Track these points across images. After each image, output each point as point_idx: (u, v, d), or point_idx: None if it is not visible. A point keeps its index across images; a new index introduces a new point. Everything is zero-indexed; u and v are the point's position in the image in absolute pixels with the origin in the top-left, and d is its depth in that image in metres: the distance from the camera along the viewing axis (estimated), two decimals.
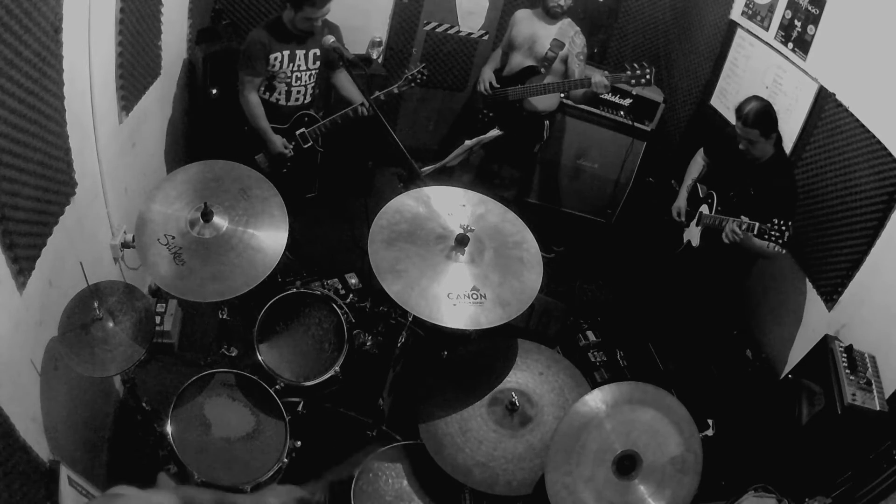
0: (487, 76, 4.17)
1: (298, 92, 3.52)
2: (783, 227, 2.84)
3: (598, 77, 3.79)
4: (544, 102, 4.15)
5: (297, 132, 3.58)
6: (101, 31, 2.55)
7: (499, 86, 4.13)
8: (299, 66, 3.43)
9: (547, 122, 4.29)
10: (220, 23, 4.28)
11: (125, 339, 2.33)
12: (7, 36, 1.74)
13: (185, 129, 4.00)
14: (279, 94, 3.48)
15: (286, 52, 3.36)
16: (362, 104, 3.52)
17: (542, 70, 4.01)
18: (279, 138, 3.51)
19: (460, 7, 4.76)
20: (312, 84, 3.56)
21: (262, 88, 3.46)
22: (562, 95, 4.24)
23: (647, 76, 3.76)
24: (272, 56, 3.33)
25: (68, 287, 2.29)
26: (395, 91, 3.55)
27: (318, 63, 3.50)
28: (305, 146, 3.61)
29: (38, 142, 2.01)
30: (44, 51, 1.99)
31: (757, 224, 2.93)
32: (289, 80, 3.45)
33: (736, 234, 3.04)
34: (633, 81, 3.80)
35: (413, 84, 3.63)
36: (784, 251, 2.92)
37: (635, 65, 3.78)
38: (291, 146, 3.55)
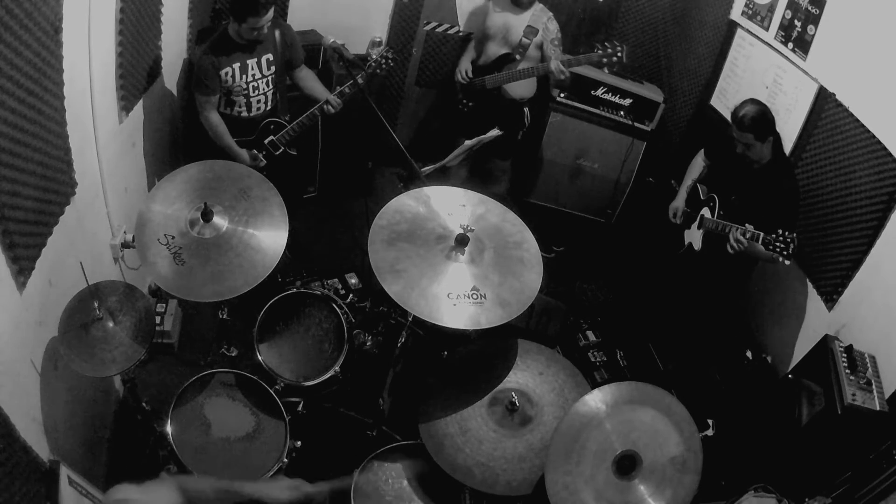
0: (464, 66, 4.21)
1: (259, 101, 3.45)
2: (788, 240, 2.82)
3: (554, 64, 3.80)
4: (522, 89, 4.18)
5: (266, 140, 3.52)
6: (101, 31, 2.55)
7: (475, 75, 4.16)
8: (253, 75, 3.36)
9: (526, 109, 4.32)
10: (220, 23, 4.27)
11: (125, 339, 2.33)
12: (7, 36, 1.74)
13: (185, 129, 3.99)
14: (240, 106, 3.42)
15: (236, 65, 3.29)
16: (326, 102, 3.43)
17: (518, 57, 4.03)
18: (245, 152, 3.43)
19: (460, 7, 4.75)
20: (271, 90, 3.47)
21: (223, 104, 3.40)
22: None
23: (619, 53, 3.67)
24: (223, 72, 3.26)
25: (68, 287, 2.29)
26: (360, 81, 3.35)
27: (272, 68, 3.41)
28: (277, 153, 3.54)
29: (38, 142, 2.01)
30: (44, 51, 1.99)
31: (762, 234, 2.92)
32: (246, 92, 3.37)
33: (741, 243, 3.01)
34: (604, 60, 3.73)
35: (379, 70, 3.45)
36: (789, 263, 2.89)
37: (606, 44, 3.70)
38: (262, 154, 3.50)
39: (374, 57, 3.43)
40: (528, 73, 4.02)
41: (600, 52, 3.73)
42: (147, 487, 1.64)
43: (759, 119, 3.12)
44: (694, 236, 3.62)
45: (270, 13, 3.18)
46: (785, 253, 2.83)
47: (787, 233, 2.83)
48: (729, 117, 3.27)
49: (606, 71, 4.02)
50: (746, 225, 3.06)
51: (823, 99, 3.46)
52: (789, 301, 3.59)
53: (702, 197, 3.62)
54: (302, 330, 2.86)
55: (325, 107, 3.45)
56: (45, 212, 2.15)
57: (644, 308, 4.14)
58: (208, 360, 3.27)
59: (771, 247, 2.86)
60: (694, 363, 3.70)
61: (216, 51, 3.25)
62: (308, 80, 3.65)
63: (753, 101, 3.21)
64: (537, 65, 4.00)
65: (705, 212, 3.54)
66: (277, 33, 3.39)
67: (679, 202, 3.73)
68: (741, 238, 3.01)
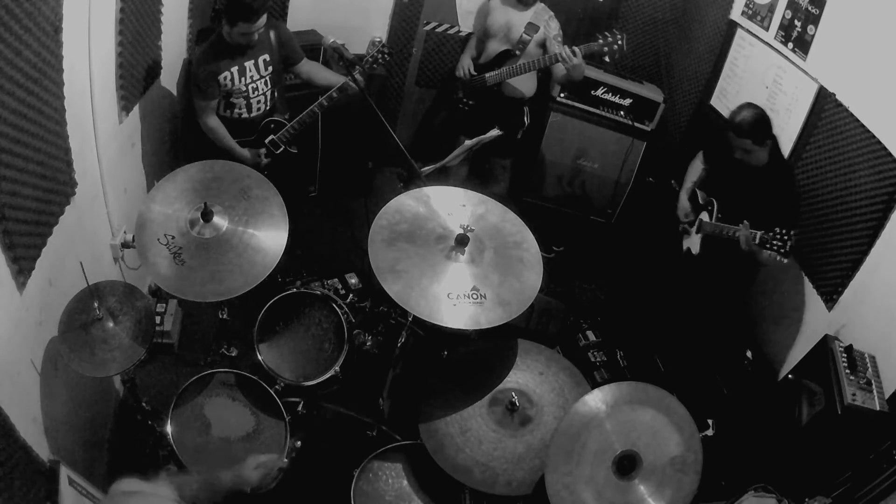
0: (466, 63, 4.21)
1: (258, 101, 3.45)
2: (786, 237, 2.81)
3: (566, 50, 3.74)
4: (522, 87, 4.17)
5: (266, 140, 3.51)
6: (101, 31, 2.55)
7: (476, 73, 4.16)
8: (252, 76, 3.35)
9: (526, 108, 4.32)
10: (220, 23, 4.27)
11: (125, 339, 2.34)
12: (7, 36, 1.74)
13: (185, 129, 4.00)
14: (240, 108, 3.42)
15: (234, 69, 3.28)
16: (328, 95, 3.40)
17: (518, 53, 4.03)
18: (247, 152, 3.43)
19: (460, 7, 4.76)
20: (270, 90, 3.47)
21: (222, 107, 3.40)
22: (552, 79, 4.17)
23: (620, 41, 3.69)
24: (221, 76, 3.26)
25: (68, 287, 2.29)
26: (359, 77, 3.32)
27: (270, 67, 3.41)
28: (277, 152, 3.54)
29: (38, 142, 2.01)
30: (44, 51, 1.99)
31: (759, 233, 2.90)
32: (245, 94, 3.37)
33: (751, 241, 2.95)
34: (605, 49, 3.73)
35: (376, 66, 3.47)
36: (786, 261, 2.88)
37: (606, 33, 3.71)
38: (263, 153, 3.49)
39: (371, 53, 3.44)
40: (530, 67, 3.99)
41: (601, 41, 3.71)
42: (151, 483, 1.65)
43: (757, 124, 3.08)
44: (692, 241, 3.60)
45: (262, 20, 3.17)
46: (783, 251, 2.83)
47: (783, 231, 2.83)
48: (729, 117, 3.25)
49: (608, 60, 4.03)
50: (744, 222, 3.04)
51: (823, 99, 3.45)
52: (789, 301, 3.59)
53: (700, 201, 3.62)
54: (302, 330, 2.86)
55: (347, 86, 3.39)
56: (45, 212, 2.15)
57: (644, 310, 4.14)
58: (208, 360, 3.27)
59: (768, 245, 2.85)
60: (694, 363, 3.70)
61: (213, 55, 3.25)
62: (316, 70, 3.65)
63: (750, 105, 3.18)
64: (541, 56, 3.95)
65: (704, 216, 3.53)
66: (272, 33, 3.39)
67: (684, 201, 3.70)
68: (749, 234, 2.95)
